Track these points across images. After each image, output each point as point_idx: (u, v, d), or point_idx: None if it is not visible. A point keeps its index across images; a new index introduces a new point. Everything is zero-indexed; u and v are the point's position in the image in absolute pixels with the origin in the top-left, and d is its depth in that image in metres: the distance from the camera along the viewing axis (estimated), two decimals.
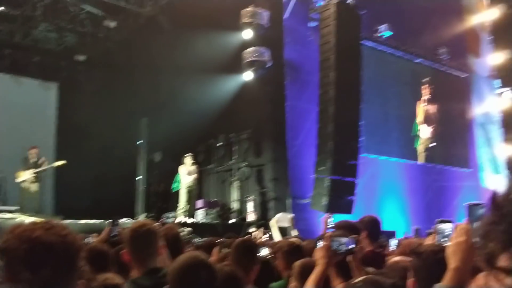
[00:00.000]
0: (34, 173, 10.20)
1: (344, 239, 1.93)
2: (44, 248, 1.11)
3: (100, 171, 12.27)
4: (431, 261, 1.83)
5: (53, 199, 12.56)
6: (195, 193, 10.61)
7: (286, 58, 11.20)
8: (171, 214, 10.73)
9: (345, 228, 2.87)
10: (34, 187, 10.29)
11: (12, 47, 12.60)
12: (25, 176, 10.17)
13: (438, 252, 1.70)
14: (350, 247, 1.85)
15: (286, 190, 10.79)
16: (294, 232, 7.21)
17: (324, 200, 9.56)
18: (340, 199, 9.74)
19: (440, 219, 1.84)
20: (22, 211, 9.46)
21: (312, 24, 11.46)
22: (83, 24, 12.48)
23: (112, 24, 12.11)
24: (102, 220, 6.74)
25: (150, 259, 2.40)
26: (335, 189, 9.63)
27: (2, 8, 11.13)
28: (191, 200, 10.42)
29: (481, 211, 1.70)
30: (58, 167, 10.61)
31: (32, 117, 12.68)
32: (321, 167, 9.81)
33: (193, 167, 10.43)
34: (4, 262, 1.12)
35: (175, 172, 10.77)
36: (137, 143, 12.11)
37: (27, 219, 8.26)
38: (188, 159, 10.40)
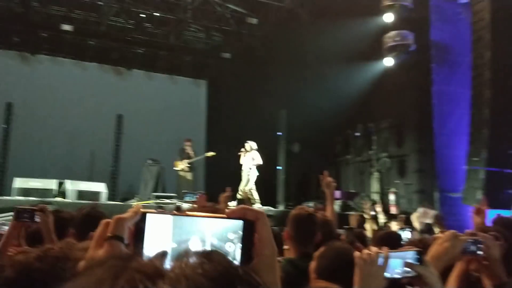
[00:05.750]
0: (188, 163, 11.26)
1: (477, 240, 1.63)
2: None
3: None
4: None
5: (204, 187, 13.67)
6: (248, 178, 10.55)
7: (433, 39, 10.46)
8: (310, 203, 10.84)
9: (502, 226, 2.55)
10: (189, 175, 11.38)
11: (167, 49, 14.01)
12: (182, 165, 11.28)
13: None
14: (477, 248, 1.57)
15: (433, 182, 10.15)
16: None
17: (479, 194, 8.79)
18: (498, 193, 8.84)
19: None
20: (179, 197, 10.54)
21: (463, 0, 10.45)
22: (228, 23, 13.29)
23: (254, 20, 12.67)
24: None
25: (307, 243, 2.53)
26: (492, 182, 8.92)
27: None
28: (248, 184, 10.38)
29: None
30: (208, 157, 11.55)
31: (185, 112, 13.99)
32: (475, 157, 9.12)
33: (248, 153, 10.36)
34: None
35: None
36: (277, 134, 12.49)
37: (184, 205, 9.18)
38: (247, 146, 10.40)
